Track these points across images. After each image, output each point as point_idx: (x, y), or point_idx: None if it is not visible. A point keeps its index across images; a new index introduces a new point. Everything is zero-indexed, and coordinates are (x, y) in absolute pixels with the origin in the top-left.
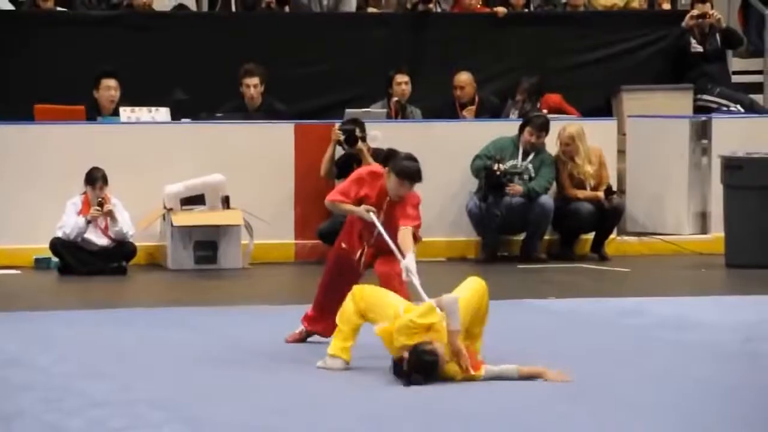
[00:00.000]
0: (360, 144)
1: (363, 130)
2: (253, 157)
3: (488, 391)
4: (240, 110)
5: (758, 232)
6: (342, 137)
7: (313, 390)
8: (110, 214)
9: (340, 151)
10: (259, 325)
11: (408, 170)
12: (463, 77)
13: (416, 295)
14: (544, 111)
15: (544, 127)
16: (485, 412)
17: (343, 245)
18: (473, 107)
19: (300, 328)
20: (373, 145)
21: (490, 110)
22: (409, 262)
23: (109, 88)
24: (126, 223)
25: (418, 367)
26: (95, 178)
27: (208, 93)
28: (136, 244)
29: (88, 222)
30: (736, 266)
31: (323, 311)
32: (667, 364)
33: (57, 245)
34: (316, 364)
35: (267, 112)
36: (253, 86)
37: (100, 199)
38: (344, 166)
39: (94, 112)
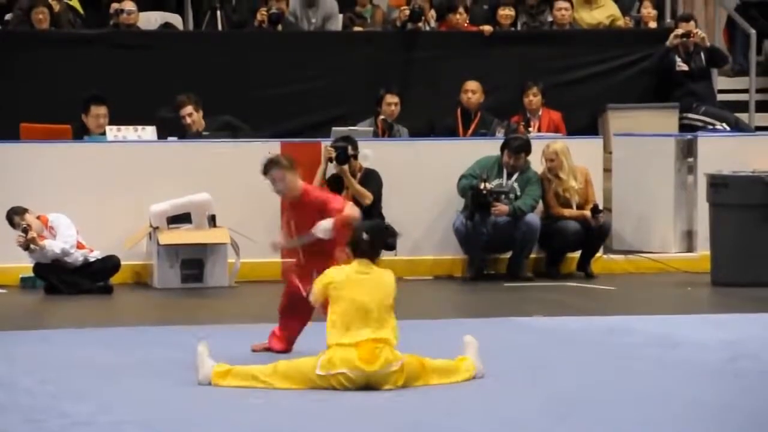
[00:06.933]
0: (347, 164)
1: (355, 148)
2: (240, 175)
3: (472, 408)
4: (187, 135)
5: (744, 250)
6: (334, 154)
7: (303, 411)
8: (33, 241)
9: (332, 170)
10: (246, 343)
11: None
12: (473, 84)
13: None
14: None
15: (521, 149)
16: (469, 430)
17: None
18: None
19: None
20: (364, 164)
21: (487, 127)
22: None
23: (98, 117)
24: (63, 236)
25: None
26: (10, 220)
27: None
28: (123, 262)
29: (26, 249)
30: (722, 284)
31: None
32: (653, 383)
33: (40, 268)
34: None
35: (216, 131)
36: (188, 115)
37: (24, 226)
38: (334, 184)
39: (82, 133)
